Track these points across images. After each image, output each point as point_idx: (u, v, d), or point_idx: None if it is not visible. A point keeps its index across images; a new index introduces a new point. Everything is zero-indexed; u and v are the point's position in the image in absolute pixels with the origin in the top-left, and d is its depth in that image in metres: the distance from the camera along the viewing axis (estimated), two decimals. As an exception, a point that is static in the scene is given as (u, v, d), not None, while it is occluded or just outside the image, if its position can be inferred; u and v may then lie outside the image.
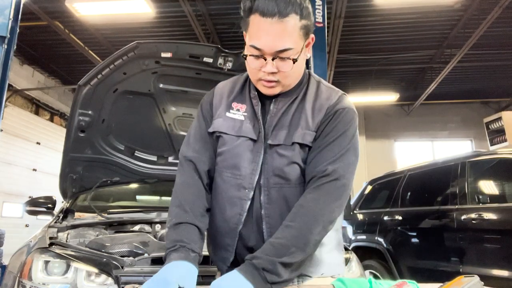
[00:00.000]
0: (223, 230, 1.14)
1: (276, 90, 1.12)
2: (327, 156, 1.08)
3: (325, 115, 1.12)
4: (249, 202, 1.11)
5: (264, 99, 1.17)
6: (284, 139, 1.11)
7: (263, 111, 1.16)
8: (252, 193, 1.11)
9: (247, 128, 1.14)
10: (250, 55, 1.08)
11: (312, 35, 1.11)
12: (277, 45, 1.03)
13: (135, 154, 2.91)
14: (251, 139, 1.13)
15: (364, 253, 4.37)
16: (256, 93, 1.17)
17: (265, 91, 1.13)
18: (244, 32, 1.15)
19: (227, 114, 1.18)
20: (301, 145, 1.10)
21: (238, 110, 1.17)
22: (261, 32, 1.04)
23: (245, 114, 1.17)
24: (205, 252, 1.14)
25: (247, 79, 1.24)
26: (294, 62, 1.06)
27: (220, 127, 1.17)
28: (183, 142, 1.27)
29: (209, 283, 0.91)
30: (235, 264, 1.10)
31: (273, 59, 1.05)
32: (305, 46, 1.10)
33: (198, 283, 0.98)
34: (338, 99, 1.15)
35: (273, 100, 1.15)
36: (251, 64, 1.09)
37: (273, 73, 1.07)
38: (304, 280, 1.11)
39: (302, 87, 1.18)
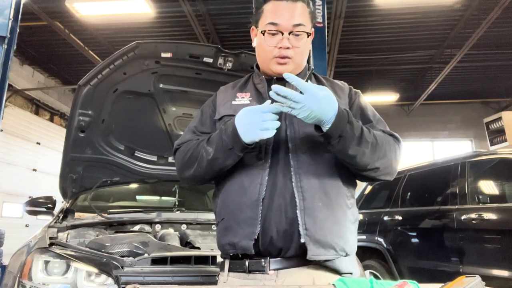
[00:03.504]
0: (244, 204, 1.12)
1: (289, 68, 1.21)
2: (379, 127, 1.23)
3: (349, 94, 1.29)
4: (267, 171, 1.13)
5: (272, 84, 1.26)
6: None
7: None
8: (269, 162, 1.14)
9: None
10: (268, 32, 1.20)
11: (313, 29, 1.26)
12: (293, 20, 1.19)
13: (135, 154, 2.90)
14: None
15: (364, 253, 4.37)
16: (263, 77, 1.26)
17: (278, 68, 1.21)
18: (252, 27, 1.28)
19: (233, 102, 1.25)
20: None
21: (243, 97, 1.26)
22: (278, 11, 1.20)
23: (250, 99, 1.25)
24: (205, 252, 1.13)
25: (249, 77, 1.35)
26: (308, 36, 1.21)
27: (227, 111, 1.24)
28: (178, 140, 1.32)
29: (209, 283, 0.92)
30: (261, 240, 1.09)
31: (289, 34, 1.19)
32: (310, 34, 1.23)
33: (199, 283, 0.99)
34: (346, 83, 1.34)
35: (286, 83, 1.21)
36: (268, 41, 1.20)
37: (287, 48, 1.19)
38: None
39: (310, 75, 1.32)
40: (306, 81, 1.27)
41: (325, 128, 1.05)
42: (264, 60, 1.25)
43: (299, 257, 1.09)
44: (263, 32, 1.20)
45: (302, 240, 1.06)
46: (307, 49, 1.25)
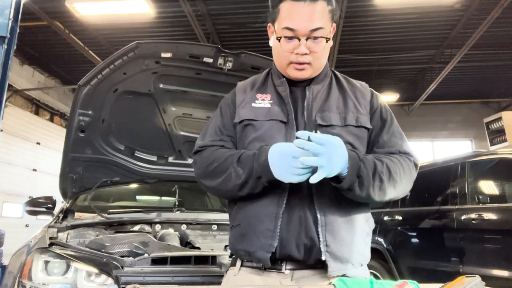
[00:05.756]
0: (262, 215, 1.09)
1: (307, 74, 1.16)
2: (397, 139, 1.20)
3: (371, 101, 1.23)
4: (289, 184, 1.07)
5: (292, 87, 1.21)
6: (337, 120, 1.16)
7: (292, 96, 1.19)
8: None
9: (275, 111, 1.17)
10: (284, 37, 1.12)
11: (334, 24, 1.19)
12: (311, 24, 1.10)
13: (135, 154, 2.90)
14: (281, 121, 1.15)
15: (364, 253, 4.36)
16: (284, 79, 1.20)
17: (295, 74, 1.16)
18: (269, 25, 1.21)
19: (253, 104, 1.20)
20: (356, 127, 1.16)
21: (263, 99, 1.20)
22: (294, 14, 1.10)
23: (271, 101, 1.19)
24: (205, 252, 1.13)
25: (268, 73, 1.29)
26: (326, 41, 1.13)
27: (247, 115, 1.18)
28: (199, 137, 1.28)
29: (209, 283, 0.92)
30: (278, 252, 1.07)
31: (306, 39, 1.11)
32: (331, 32, 1.16)
33: (199, 283, 0.99)
34: (366, 85, 1.30)
35: (307, 87, 1.19)
36: (284, 47, 1.13)
37: (305, 54, 1.12)
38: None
39: (329, 75, 1.26)
40: (330, 82, 1.23)
41: (343, 175, 1.02)
42: (280, 65, 1.19)
43: (316, 265, 1.09)
44: (279, 38, 1.14)
45: (323, 258, 1.06)
46: (327, 51, 1.18)
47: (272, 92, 1.21)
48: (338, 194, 1.08)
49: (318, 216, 1.07)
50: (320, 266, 1.08)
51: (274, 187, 1.08)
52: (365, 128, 1.18)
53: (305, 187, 1.08)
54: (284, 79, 1.20)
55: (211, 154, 1.17)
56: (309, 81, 1.21)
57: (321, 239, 1.06)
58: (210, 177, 1.16)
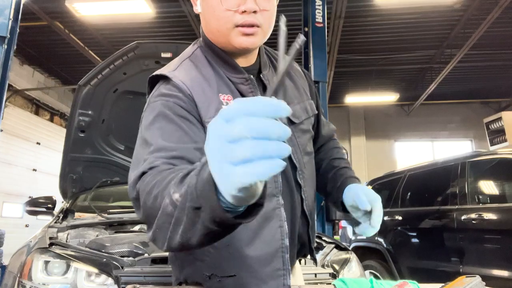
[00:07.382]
0: (265, 257, 0.88)
1: (257, 41, 0.88)
2: (324, 119, 1.17)
3: (308, 80, 1.10)
4: (282, 207, 0.90)
5: (240, 77, 0.94)
6: (301, 113, 0.99)
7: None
8: (281, 192, 0.90)
9: None
10: None
11: None
12: None
13: (135, 154, 2.91)
14: None
15: (364, 253, 4.37)
16: (251, 77, 0.92)
17: (243, 42, 0.87)
18: None
19: (224, 108, 0.84)
20: (314, 115, 1.07)
21: (227, 102, 0.88)
22: None
23: None
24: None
25: (208, 61, 0.95)
26: None
27: None
28: (135, 160, 0.80)
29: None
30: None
31: None
32: None
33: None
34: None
35: (261, 75, 0.95)
36: (226, 3, 0.84)
37: (254, 12, 0.85)
38: None
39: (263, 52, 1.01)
40: (273, 65, 1.01)
41: None
42: (219, 31, 0.88)
43: None
44: None
45: (316, 256, 1.08)
46: (275, 13, 0.91)
47: (233, 90, 0.91)
48: (313, 192, 1.05)
49: (309, 221, 1.01)
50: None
51: (266, 216, 0.87)
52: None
53: (296, 196, 0.95)
54: (251, 77, 0.92)
55: (154, 176, 0.66)
56: (257, 67, 0.96)
57: (311, 240, 1.04)
58: (149, 223, 0.65)
